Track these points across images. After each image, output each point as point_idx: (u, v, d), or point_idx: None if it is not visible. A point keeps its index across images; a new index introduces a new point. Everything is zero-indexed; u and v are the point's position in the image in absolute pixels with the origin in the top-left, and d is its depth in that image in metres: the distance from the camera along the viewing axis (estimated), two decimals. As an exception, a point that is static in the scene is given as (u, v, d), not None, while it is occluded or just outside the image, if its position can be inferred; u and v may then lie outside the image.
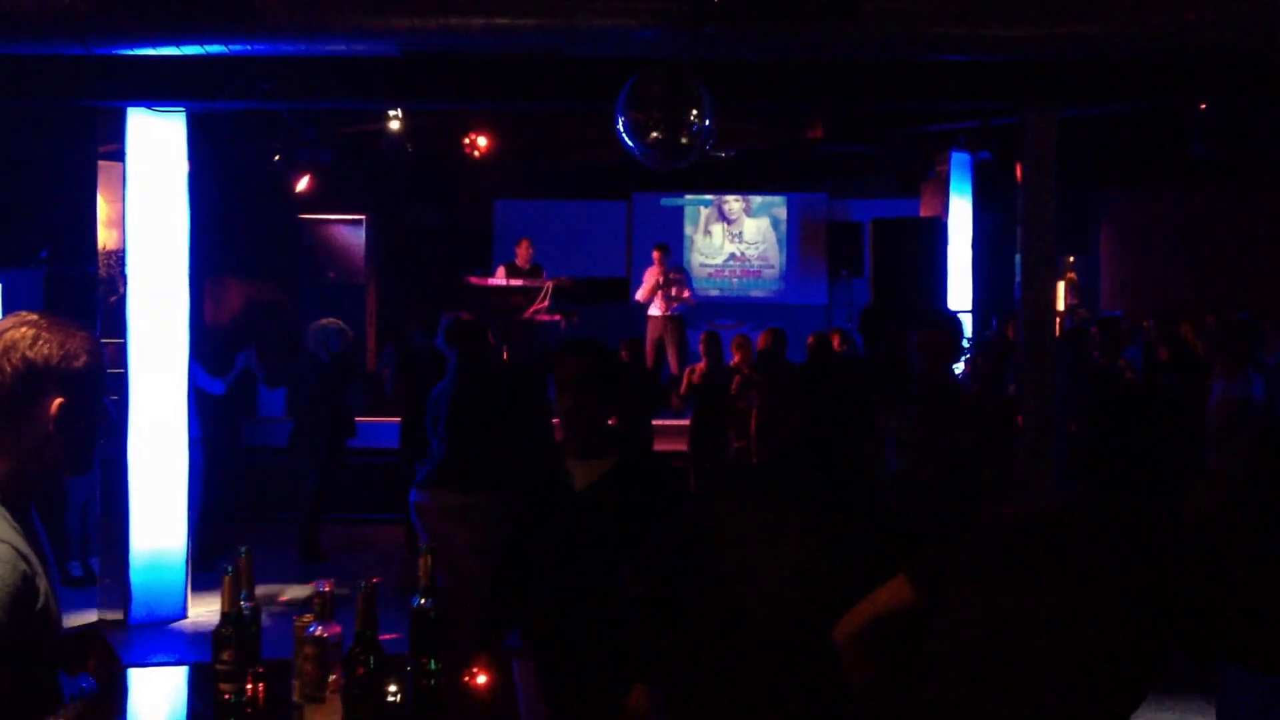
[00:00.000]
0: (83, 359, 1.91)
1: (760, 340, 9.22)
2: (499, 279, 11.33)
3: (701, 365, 9.56)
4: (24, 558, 1.83)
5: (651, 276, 12.09)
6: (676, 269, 12.59)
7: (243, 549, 2.44)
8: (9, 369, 1.87)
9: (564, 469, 3.34)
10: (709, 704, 2.71)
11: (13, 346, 1.88)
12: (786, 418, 2.90)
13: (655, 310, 12.08)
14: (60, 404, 1.89)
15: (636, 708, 2.86)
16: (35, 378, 1.88)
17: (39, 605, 1.85)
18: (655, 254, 12.17)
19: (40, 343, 1.89)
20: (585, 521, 3.23)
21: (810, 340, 9.30)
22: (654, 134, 6.09)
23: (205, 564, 7.60)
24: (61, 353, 1.90)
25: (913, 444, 4.54)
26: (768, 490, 2.81)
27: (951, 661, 2.33)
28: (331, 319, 8.71)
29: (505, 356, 10.39)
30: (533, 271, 11.45)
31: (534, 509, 3.41)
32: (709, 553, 2.74)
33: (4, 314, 1.95)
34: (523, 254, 11.54)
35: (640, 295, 12.21)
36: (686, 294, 12.28)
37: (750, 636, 2.64)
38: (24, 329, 1.89)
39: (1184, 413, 2.97)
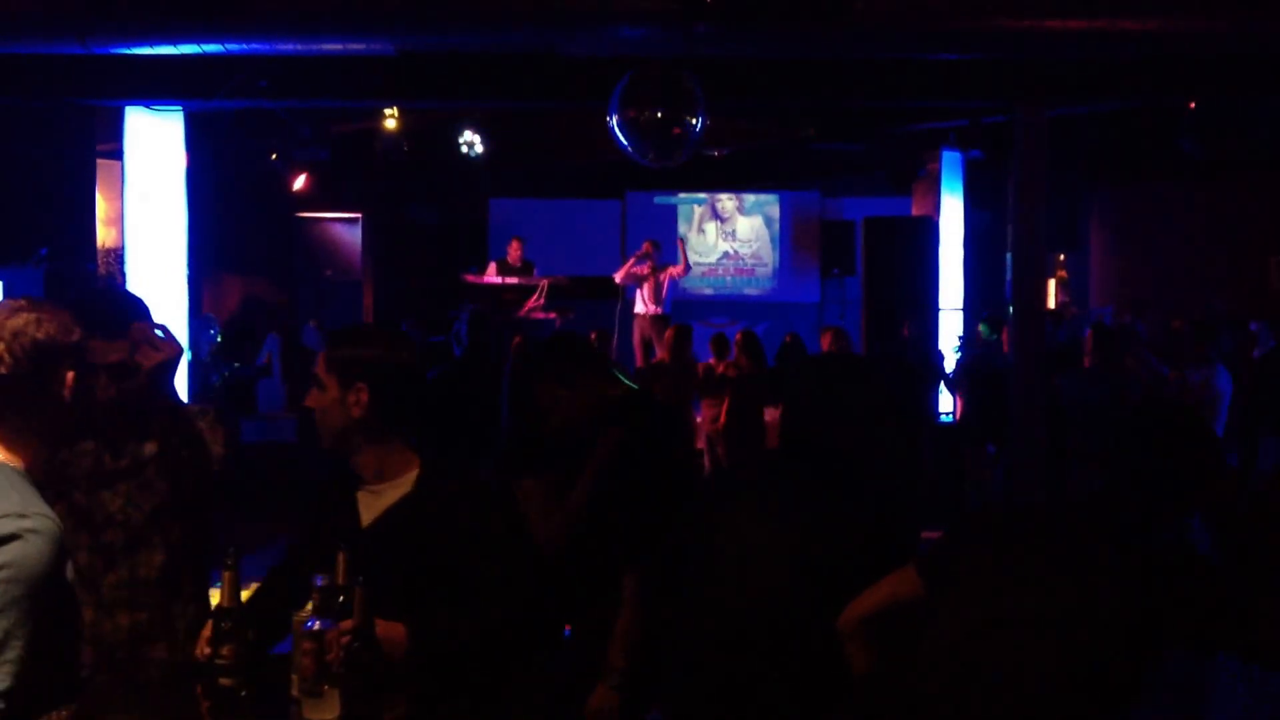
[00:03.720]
0: (77, 332, 2.08)
1: (828, 339, 9.18)
2: (491, 275, 11.36)
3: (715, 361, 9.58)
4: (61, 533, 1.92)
5: (632, 262, 11.80)
6: (664, 265, 12.47)
7: (230, 549, 2.43)
8: (20, 352, 1.99)
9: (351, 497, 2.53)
10: (708, 696, 2.74)
11: (20, 332, 2.00)
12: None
13: (641, 309, 12.04)
14: (73, 376, 2.04)
15: (627, 597, 2.92)
16: (47, 356, 2.02)
17: (71, 580, 1.96)
18: (646, 245, 11.92)
19: (43, 323, 2.02)
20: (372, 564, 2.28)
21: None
22: (647, 132, 6.14)
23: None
24: (61, 329, 2.04)
25: None
26: (764, 481, 2.83)
27: (948, 654, 2.36)
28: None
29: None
30: (524, 269, 11.47)
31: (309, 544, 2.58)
32: (706, 545, 2.77)
33: (6, 311, 2.03)
34: (514, 252, 11.54)
35: (617, 276, 11.93)
36: (675, 271, 12.17)
37: (743, 625, 2.67)
38: (21, 315, 2.02)
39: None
